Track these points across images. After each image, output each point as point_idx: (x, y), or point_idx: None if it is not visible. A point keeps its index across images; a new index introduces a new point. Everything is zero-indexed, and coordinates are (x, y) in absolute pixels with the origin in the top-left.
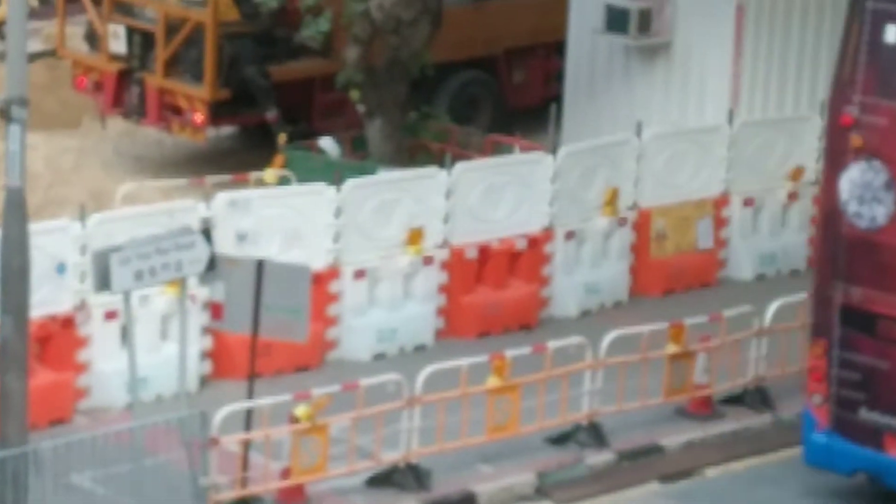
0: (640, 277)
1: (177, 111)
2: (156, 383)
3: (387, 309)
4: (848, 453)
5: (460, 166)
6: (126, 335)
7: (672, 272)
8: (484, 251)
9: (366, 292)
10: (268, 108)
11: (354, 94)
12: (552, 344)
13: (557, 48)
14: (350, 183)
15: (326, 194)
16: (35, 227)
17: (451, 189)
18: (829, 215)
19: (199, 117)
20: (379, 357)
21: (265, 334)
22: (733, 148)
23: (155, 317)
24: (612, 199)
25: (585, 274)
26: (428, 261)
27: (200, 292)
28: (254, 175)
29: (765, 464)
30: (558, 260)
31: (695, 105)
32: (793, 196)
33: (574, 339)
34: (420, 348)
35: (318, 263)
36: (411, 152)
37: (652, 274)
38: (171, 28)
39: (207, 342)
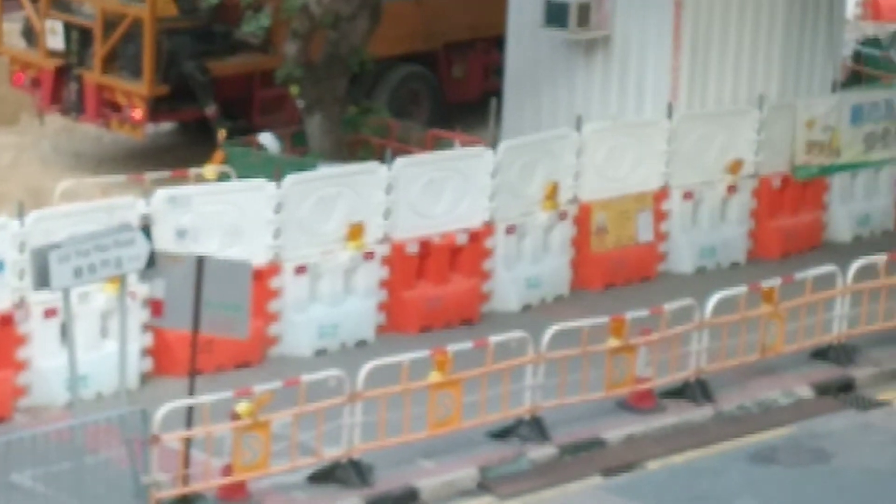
0: (580, 271)
1: (115, 107)
2: (96, 381)
3: (328, 304)
4: None
5: (401, 161)
6: (66, 333)
7: (613, 266)
8: (425, 246)
9: (307, 288)
10: (207, 103)
11: (294, 90)
12: (494, 338)
13: (497, 43)
14: (290, 179)
15: (266, 190)
16: None
17: (391, 184)
18: None
19: (137, 113)
20: (320, 353)
21: (206, 331)
22: (673, 141)
23: (95, 314)
24: (552, 194)
25: (526, 268)
26: (369, 256)
27: (140, 289)
28: (193, 171)
29: (706, 456)
30: (499, 254)
31: (634, 99)
32: (732, 189)
33: (515, 334)
34: (361, 344)
35: (259, 259)
36: (351, 147)
37: (593, 268)
38: (109, 24)
39: (148, 339)
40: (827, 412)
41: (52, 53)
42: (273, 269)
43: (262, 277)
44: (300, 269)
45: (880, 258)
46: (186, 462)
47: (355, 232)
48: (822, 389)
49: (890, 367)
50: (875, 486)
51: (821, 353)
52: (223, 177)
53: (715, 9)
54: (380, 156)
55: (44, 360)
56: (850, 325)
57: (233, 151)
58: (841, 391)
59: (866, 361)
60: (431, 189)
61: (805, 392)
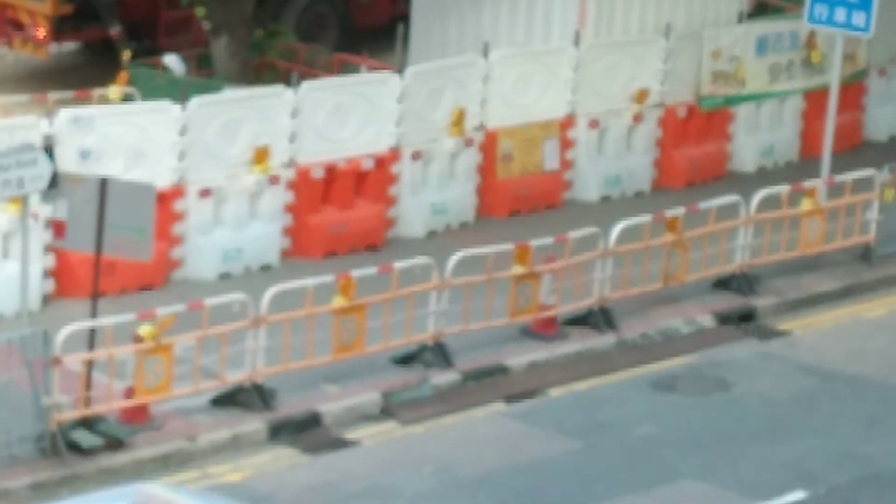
0: (486, 198)
1: (18, 26)
2: None
3: (232, 228)
4: None
5: (307, 85)
6: None
7: (518, 193)
8: (330, 171)
9: (211, 211)
10: (111, 24)
11: (200, 11)
12: (398, 264)
13: None
14: (195, 101)
15: (171, 112)
16: None
17: (297, 108)
18: None
19: (41, 33)
20: (224, 277)
21: (109, 253)
22: (579, 70)
23: None
24: (458, 120)
25: (432, 194)
26: (274, 180)
27: (43, 210)
28: (97, 92)
29: (608, 384)
30: (405, 180)
31: (542, 26)
32: (637, 118)
33: (420, 260)
34: (266, 268)
35: (163, 182)
36: (257, 70)
37: (498, 195)
38: None
39: (50, 261)
40: (728, 341)
41: None
42: (177, 191)
43: (165, 200)
44: (204, 193)
45: (783, 189)
46: (88, 384)
47: (260, 156)
48: (724, 319)
49: (791, 297)
50: (774, 415)
51: (723, 283)
52: (127, 98)
53: None
54: (286, 79)
55: None
56: (753, 254)
57: (137, 73)
58: (742, 320)
59: (768, 291)
60: (337, 114)
61: (707, 321)
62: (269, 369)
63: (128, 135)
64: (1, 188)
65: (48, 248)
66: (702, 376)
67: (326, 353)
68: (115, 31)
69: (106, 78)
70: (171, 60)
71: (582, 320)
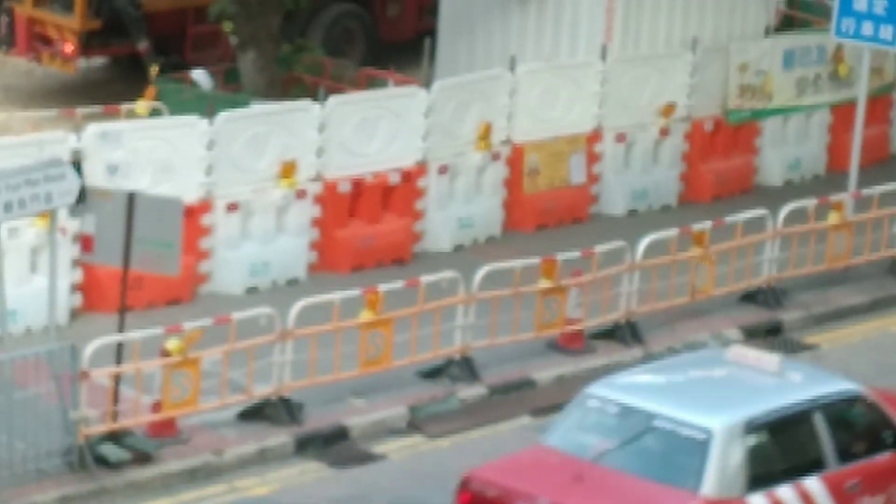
0: (512, 212)
1: (47, 41)
2: (25, 316)
3: (259, 242)
4: None
5: (334, 100)
6: None
7: (545, 207)
8: (357, 185)
9: (238, 225)
10: (139, 39)
11: (227, 26)
12: (425, 278)
13: None
14: (223, 115)
15: (199, 127)
16: None
17: (324, 122)
18: None
19: (69, 48)
20: (251, 291)
21: (136, 267)
22: (606, 83)
23: (24, 249)
24: (485, 134)
25: (459, 208)
26: (301, 194)
27: (71, 225)
28: (125, 107)
29: None
30: (432, 194)
31: (568, 40)
32: (664, 132)
33: (447, 274)
34: (293, 282)
35: (191, 196)
36: (285, 85)
37: (525, 209)
38: None
39: (78, 275)
40: None
41: None
42: (204, 206)
43: (193, 214)
44: (232, 207)
45: (810, 202)
46: (116, 398)
47: (288, 170)
48: (751, 332)
49: (818, 310)
50: None
51: (750, 297)
52: (155, 113)
53: None
54: (313, 94)
55: None
56: (780, 268)
57: (165, 88)
58: (769, 334)
59: (794, 305)
60: (364, 128)
61: (734, 335)
62: (296, 383)
63: (156, 149)
64: (29, 203)
65: (76, 263)
66: None
67: (353, 367)
68: (142, 46)
69: (134, 93)
70: (199, 75)
71: (609, 334)
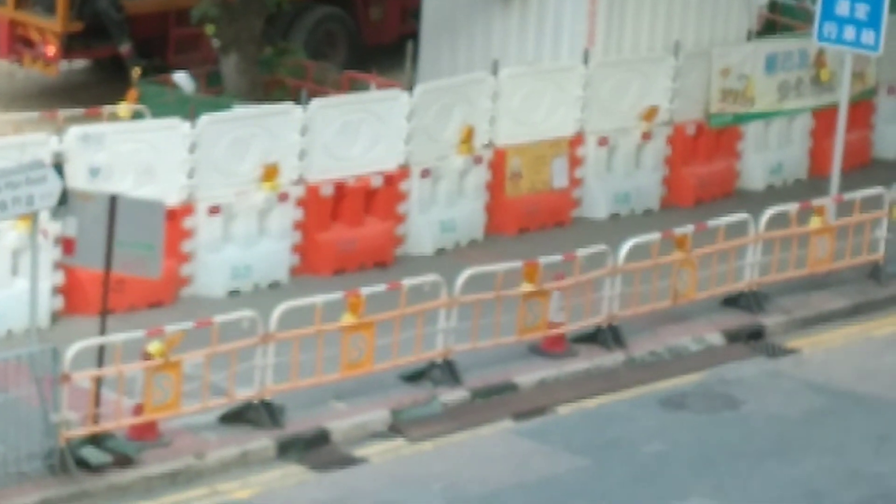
0: (495, 216)
1: (28, 44)
2: (6, 319)
3: (241, 245)
4: None
5: (316, 103)
6: None
7: (527, 211)
8: (340, 188)
9: (220, 228)
10: (121, 41)
11: (210, 29)
12: (407, 281)
13: None
14: (205, 118)
15: (181, 129)
16: None
17: (306, 125)
18: None
19: (51, 50)
20: (233, 294)
21: (118, 270)
22: (588, 87)
23: (6, 252)
24: (467, 138)
25: (441, 212)
26: (283, 197)
27: (52, 227)
28: (107, 109)
29: (616, 401)
30: (414, 198)
31: (551, 44)
32: (647, 136)
33: (429, 277)
34: (275, 285)
35: (173, 199)
36: (267, 88)
37: (507, 212)
38: None
39: (59, 277)
40: (737, 359)
41: None
42: (186, 208)
43: (175, 217)
44: (214, 210)
45: (792, 207)
46: (97, 401)
47: (270, 173)
48: (733, 336)
49: (800, 314)
50: (783, 433)
51: (732, 301)
52: (137, 115)
53: None
54: (295, 97)
55: None
56: (762, 272)
57: (147, 90)
58: (751, 338)
59: (776, 309)
60: (347, 131)
61: (716, 339)
62: (278, 386)
63: (137, 152)
64: (11, 205)
65: (57, 265)
66: (711, 394)
67: (335, 371)
68: (125, 48)
69: (116, 95)
70: (181, 78)
71: (591, 338)
